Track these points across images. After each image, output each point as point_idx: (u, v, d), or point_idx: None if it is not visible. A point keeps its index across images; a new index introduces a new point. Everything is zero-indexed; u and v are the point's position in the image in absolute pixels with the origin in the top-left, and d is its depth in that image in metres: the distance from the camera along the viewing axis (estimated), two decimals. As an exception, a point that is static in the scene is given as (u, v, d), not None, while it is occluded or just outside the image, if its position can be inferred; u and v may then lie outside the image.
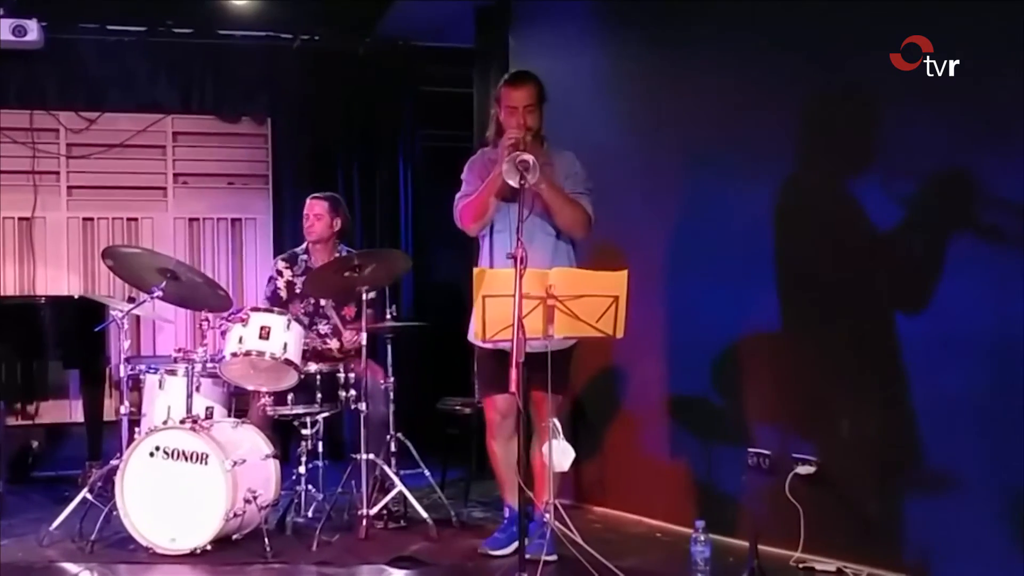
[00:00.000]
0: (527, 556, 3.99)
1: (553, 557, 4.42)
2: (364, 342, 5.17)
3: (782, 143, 4.83)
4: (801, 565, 4.53)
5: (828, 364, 4.68)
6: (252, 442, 5.08)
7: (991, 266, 4.01)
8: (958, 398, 4.12)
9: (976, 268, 4.07)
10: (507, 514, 4.78)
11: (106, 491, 5.03)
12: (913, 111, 4.26)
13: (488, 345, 4.30)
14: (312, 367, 5.25)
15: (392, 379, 5.45)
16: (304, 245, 6.03)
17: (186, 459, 4.78)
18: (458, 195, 4.73)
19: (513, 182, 4.07)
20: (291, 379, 5.13)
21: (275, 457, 5.14)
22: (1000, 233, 4.00)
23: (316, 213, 5.93)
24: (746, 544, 4.32)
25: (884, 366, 4.43)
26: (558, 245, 4.60)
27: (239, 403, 5.51)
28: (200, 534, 4.72)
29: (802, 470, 4.65)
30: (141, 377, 5.40)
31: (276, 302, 5.84)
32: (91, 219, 7.73)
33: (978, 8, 3.99)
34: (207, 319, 5.26)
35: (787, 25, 4.75)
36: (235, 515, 4.75)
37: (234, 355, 5.04)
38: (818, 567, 4.49)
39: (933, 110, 4.18)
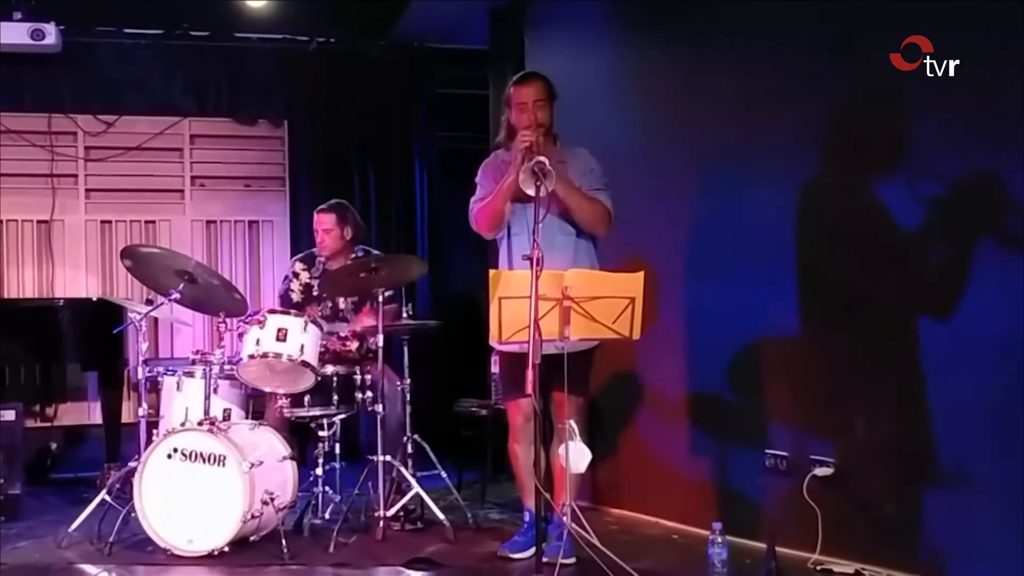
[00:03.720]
0: (544, 559, 3.99)
1: (571, 560, 4.43)
2: (380, 343, 5.17)
3: (799, 144, 4.81)
4: (819, 567, 4.51)
5: (845, 366, 4.66)
6: (269, 444, 5.09)
7: (1008, 269, 3.99)
8: (975, 400, 4.10)
9: (993, 271, 4.05)
10: (527, 517, 4.77)
11: (124, 493, 5.06)
12: (932, 113, 4.24)
13: (511, 348, 4.30)
14: (329, 369, 5.26)
15: (408, 381, 5.46)
16: (323, 249, 6.05)
17: (204, 461, 4.79)
18: (473, 199, 4.72)
19: (530, 190, 4.05)
20: (308, 381, 5.14)
21: (292, 459, 5.15)
22: (1018, 237, 3.98)
23: (325, 228, 5.92)
24: (763, 546, 4.30)
25: (901, 368, 4.42)
26: (579, 244, 4.58)
27: (256, 405, 5.54)
28: (218, 536, 4.73)
29: (820, 472, 4.64)
30: (159, 379, 5.41)
31: (287, 303, 5.85)
32: (109, 222, 7.77)
33: (990, 7, 3.98)
34: (224, 321, 5.28)
35: (804, 26, 4.74)
36: (252, 517, 4.76)
37: (251, 357, 5.05)
38: (836, 569, 4.48)
39: (951, 112, 4.16)
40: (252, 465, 4.76)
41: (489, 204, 4.59)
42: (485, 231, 4.68)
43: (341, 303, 5.91)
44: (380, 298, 5.18)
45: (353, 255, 5.92)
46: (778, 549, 4.24)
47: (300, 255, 6.19)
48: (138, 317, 5.27)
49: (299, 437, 5.61)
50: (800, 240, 4.84)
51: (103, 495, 5.09)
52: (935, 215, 4.29)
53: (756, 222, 4.96)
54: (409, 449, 5.40)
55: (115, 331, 6.07)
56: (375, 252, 5.96)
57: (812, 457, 4.68)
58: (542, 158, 4.09)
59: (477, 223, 4.68)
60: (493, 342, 4.47)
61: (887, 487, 4.49)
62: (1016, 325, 3.96)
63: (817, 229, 4.77)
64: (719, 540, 4.19)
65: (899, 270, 4.44)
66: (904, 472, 4.42)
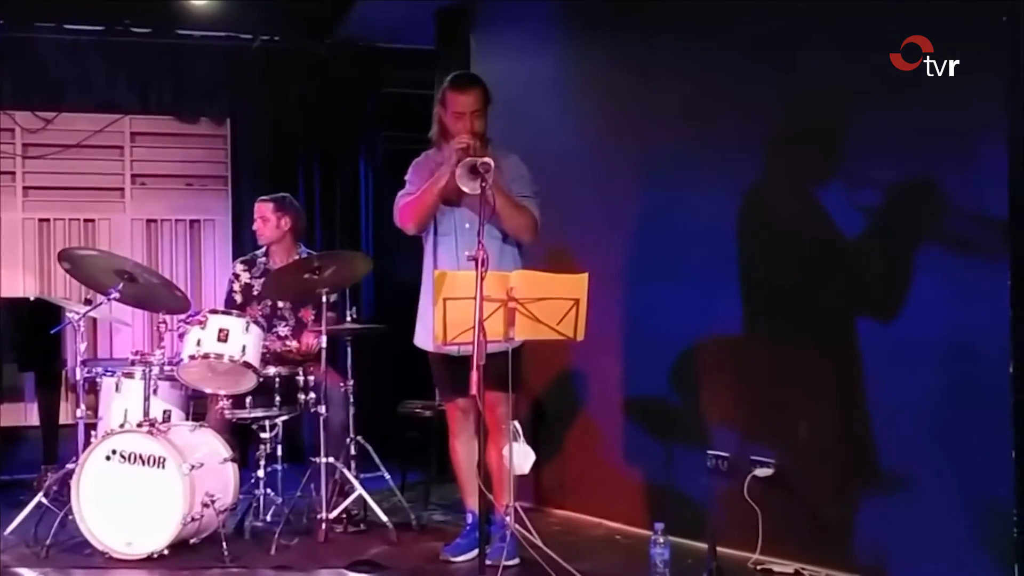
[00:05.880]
0: (488, 562, 3.99)
1: (515, 561, 4.43)
2: (324, 344, 5.14)
3: (742, 148, 4.85)
4: (759, 567, 4.56)
5: (786, 367, 4.71)
6: (210, 445, 5.04)
7: (949, 273, 4.06)
8: (914, 402, 4.16)
9: (934, 275, 4.11)
10: (469, 519, 4.76)
11: (61, 495, 5.00)
12: (875, 119, 4.30)
13: (434, 349, 4.30)
14: (271, 370, 5.22)
15: (351, 382, 5.43)
16: (264, 248, 5.99)
17: (143, 463, 4.74)
18: (400, 193, 4.72)
19: (467, 188, 4.07)
20: (249, 382, 5.10)
21: (233, 461, 5.10)
22: (956, 240, 4.05)
23: (262, 216, 5.89)
24: (705, 546, 4.34)
25: (842, 370, 4.47)
26: (504, 248, 4.58)
27: (197, 406, 5.48)
28: (157, 538, 4.68)
29: (760, 472, 4.68)
30: (98, 380, 5.34)
31: (231, 305, 5.79)
32: (47, 220, 7.66)
33: (941, 19, 4.03)
34: (164, 321, 5.22)
35: (748, 31, 4.78)
36: (193, 519, 4.72)
37: (192, 358, 5.00)
38: (776, 569, 4.52)
39: (895, 118, 4.22)
40: (192, 467, 4.71)
41: (419, 199, 4.58)
42: (409, 226, 4.67)
43: (280, 302, 5.86)
44: (324, 299, 5.15)
45: (296, 254, 5.87)
46: (719, 549, 4.28)
47: (242, 257, 6.14)
48: (76, 317, 5.21)
49: (241, 439, 5.55)
50: (743, 243, 4.88)
51: (40, 497, 5.04)
52: (877, 219, 4.36)
53: (700, 224, 4.99)
54: (352, 451, 5.37)
55: (53, 331, 5.98)
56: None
57: (753, 458, 4.73)
58: (487, 159, 4.10)
59: (401, 217, 4.68)
60: (419, 343, 4.49)
61: (827, 488, 4.54)
62: (956, 329, 4.03)
63: (760, 232, 4.82)
64: (661, 540, 4.21)
65: (841, 273, 4.49)
66: (844, 473, 4.48)
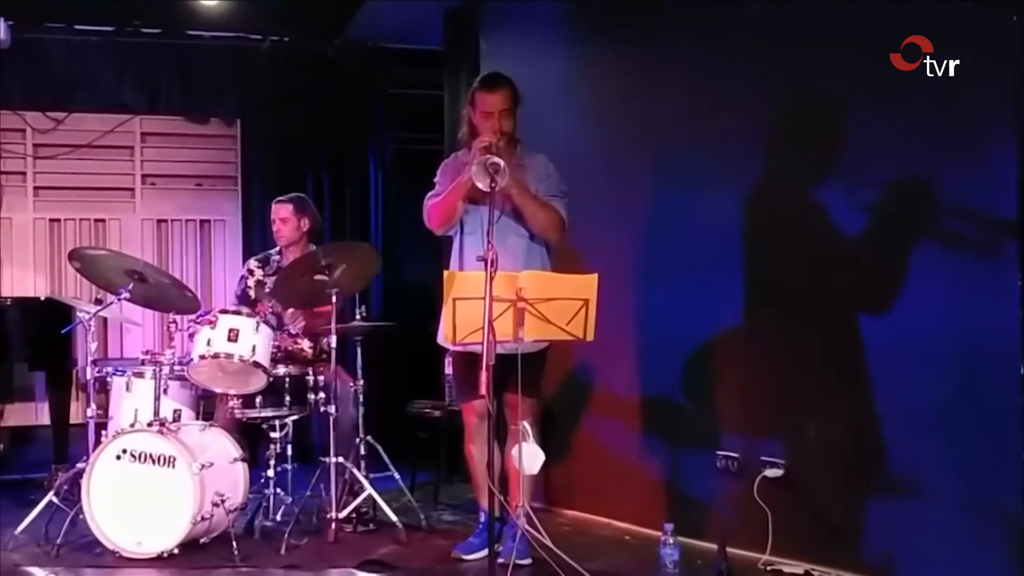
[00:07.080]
0: (500, 560, 3.99)
1: (527, 560, 4.44)
2: (334, 344, 5.15)
3: (750, 149, 4.85)
4: (769, 568, 4.55)
5: (795, 368, 4.71)
6: (220, 445, 5.05)
7: (955, 273, 4.06)
8: (922, 403, 4.16)
9: (940, 275, 4.11)
10: (482, 518, 4.76)
11: (72, 494, 5.01)
12: (879, 119, 4.30)
13: (460, 348, 4.31)
14: (281, 370, 5.23)
15: (361, 382, 5.43)
16: (278, 248, 6.00)
17: (153, 462, 4.75)
18: (428, 195, 4.74)
19: (482, 185, 4.08)
20: (259, 382, 5.11)
21: (243, 460, 5.11)
22: (964, 240, 4.05)
23: (281, 217, 5.90)
24: (714, 547, 4.34)
25: (850, 371, 4.46)
26: (531, 247, 4.60)
27: (207, 406, 5.50)
28: (167, 538, 4.69)
29: (770, 473, 4.68)
30: (108, 379, 5.35)
31: (245, 301, 5.82)
32: (58, 220, 7.67)
33: (942, 20, 4.03)
34: (175, 321, 5.24)
35: (755, 32, 4.77)
36: (203, 519, 4.72)
37: (202, 357, 5.02)
38: (786, 569, 4.52)
39: (898, 118, 4.22)
40: (202, 466, 4.72)
41: (443, 200, 4.62)
42: (436, 227, 4.71)
43: None
44: (335, 299, 5.15)
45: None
46: (729, 550, 4.29)
47: (257, 256, 6.14)
48: (87, 317, 5.22)
49: (250, 438, 5.56)
50: (750, 243, 4.88)
51: (51, 497, 5.04)
52: (885, 219, 4.35)
53: (708, 224, 4.99)
54: (362, 450, 5.38)
55: (63, 331, 6.00)
56: None
57: (763, 458, 4.72)
58: (496, 158, 4.10)
59: (429, 218, 4.71)
60: (442, 342, 4.49)
61: (837, 488, 4.53)
62: (963, 329, 4.03)
63: (767, 233, 4.82)
64: (671, 541, 4.21)
65: (850, 274, 4.49)
66: (853, 473, 4.47)
